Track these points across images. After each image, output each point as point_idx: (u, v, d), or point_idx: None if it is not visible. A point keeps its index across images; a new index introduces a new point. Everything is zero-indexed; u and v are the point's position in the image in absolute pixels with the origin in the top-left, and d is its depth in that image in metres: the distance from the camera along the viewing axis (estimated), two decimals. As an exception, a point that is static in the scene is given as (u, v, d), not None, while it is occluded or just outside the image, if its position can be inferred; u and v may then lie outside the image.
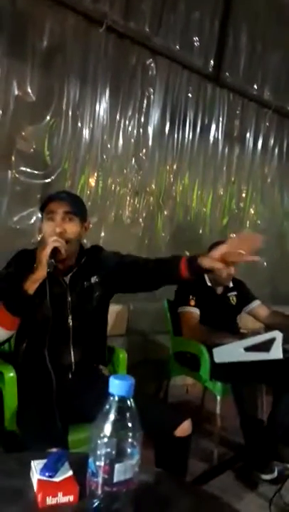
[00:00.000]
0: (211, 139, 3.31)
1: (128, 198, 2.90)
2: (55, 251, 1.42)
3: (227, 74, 3.31)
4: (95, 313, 1.62)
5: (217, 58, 3.23)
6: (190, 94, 3.13)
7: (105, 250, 1.70)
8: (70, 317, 1.55)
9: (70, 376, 1.55)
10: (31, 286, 1.42)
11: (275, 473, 2.04)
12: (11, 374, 1.52)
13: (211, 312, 2.37)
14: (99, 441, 0.68)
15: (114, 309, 2.74)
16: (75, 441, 1.42)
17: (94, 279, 1.60)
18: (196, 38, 3.09)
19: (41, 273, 1.41)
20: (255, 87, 3.54)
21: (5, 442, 1.52)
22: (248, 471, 2.11)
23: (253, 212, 3.72)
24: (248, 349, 1.98)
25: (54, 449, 1.01)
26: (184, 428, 1.41)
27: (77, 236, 1.52)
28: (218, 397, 2.21)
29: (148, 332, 2.98)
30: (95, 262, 1.62)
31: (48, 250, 1.40)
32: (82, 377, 1.56)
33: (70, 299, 1.56)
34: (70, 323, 1.55)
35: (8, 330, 1.45)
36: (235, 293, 2.52)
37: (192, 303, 2.32)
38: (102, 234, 2.79)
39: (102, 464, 0.68)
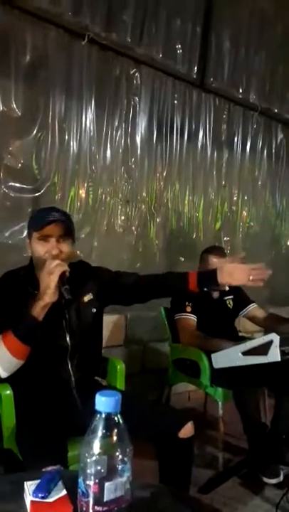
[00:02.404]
0: (199, 144, 3.32)
1: (119, 207, 2.90)
2: (63, 275, 1.40)
3: (211, 79, 3.33)
4: (91, 330, 1.62)
5: (201, 64, 3.25)
6: (176, 101, 3.14)
7: (94, 266, 1.72)
8: (67, 335, 1.55)
9: (73, 392, 1.54)
10: (40, 313, 1.38)
11: (281, 477, 2.02)
12: (8, 392, 1.51)
13: (208, 317, 2.36)
14: (88, 460, 0.67)
15: (111, 319, 2.73)
16: (74, 456, 1.41)
17: (89, 297, 1.60)
18: (178, 46, 3.11)
19: (51, 299, 1.38)
20: (241, 90, 3.56)
21: (4, 461, 1.50)
22: (253, 475, 2.09)
23: (245, 214, 3.73)
24: (245, 353, 1.97)
25: (49, 468, 0.99)
26: (187, 429, 1.42)
27: (69, 257, 1.51)
28: (220, 403, 2.20)
29: (146, 341, 2.96)
30: (87, 279, 1.62)
31: (55, 277, 1.38)
32: (82, 391, 1.55)
33: (67, 316, 1.56)
34: (68, 341, 1.54)
35: (20, 359, 1.41)
36: (231, 297, 2.51)
37: (188, 309, 2.32)
38: (95, 244, 2.78)
39: (92, 483, 0.66)
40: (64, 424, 1.42)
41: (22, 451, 1.36)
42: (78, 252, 2.49)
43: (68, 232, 1.50)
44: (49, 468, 1.06)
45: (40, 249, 1.48)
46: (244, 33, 3.50)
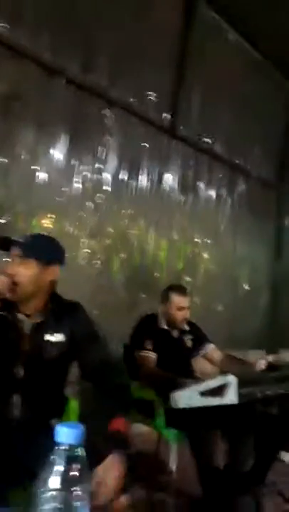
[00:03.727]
0: (167, 187, 3.43)
1: (84, 240, 2.90)
2: None
3: (181, 127, 3.50)
4: (50, 370, 1.49)
5: (172, 112, 3.42)
6: (147, 145, 3.26)
7: (84, 313, 1.58)
8: (20, 368, 1.45)
9: (11, 432, 1.41)
10: None
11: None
12: None
13: (166, 355, 2.34)
14: (43, 496, 0.63)
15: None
16: (18, 506, 1.31)
17: (58, 336, 1.49)
18: (151, 92, 3.27)
19: None
20: (209, 141, 3.76)
21: None
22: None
23: (207, 257, 3.83)
24: (203, 394, 1.95)
25: None
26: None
27: (31, 279, 1.44)
28: (174, 446, 2.15)
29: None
30: (66, 318, 1.51)
31: None
32: (26, 434, 1.41)
33: (25, 347, 1.46)
34: (20, 374, 1.44)
35: None
36: (190, 336, 2.52)
37: (149, 346, 2.30)
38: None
39: (47, 521, 0.62)
40: (5, 471, 1.30)
41: None
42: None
43: (26, 255, 1.44)
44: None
45: None
46: (214, 87, 3.74)
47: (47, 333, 1.48)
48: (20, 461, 1.36)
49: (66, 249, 2.74)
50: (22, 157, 2.58)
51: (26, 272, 1.44)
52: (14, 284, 1.41)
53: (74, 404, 1.75)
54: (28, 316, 1.48)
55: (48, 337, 1.47)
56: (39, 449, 1.28)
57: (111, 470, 1.15)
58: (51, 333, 1.48)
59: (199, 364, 2.72)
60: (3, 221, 2.49)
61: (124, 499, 1.23)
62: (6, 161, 2.50)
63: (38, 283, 1.46)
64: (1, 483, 1.26)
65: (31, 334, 1.47)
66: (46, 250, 1.51)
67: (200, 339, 2.55)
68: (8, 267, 1.43)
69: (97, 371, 1.49)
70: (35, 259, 1.46)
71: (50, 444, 0.68)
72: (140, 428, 2.69)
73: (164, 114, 3.39)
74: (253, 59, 4.08)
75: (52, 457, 0.65)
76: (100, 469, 1.13)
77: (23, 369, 1.45)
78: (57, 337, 1.48)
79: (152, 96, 3.29)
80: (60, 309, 1.52)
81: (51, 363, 1.48)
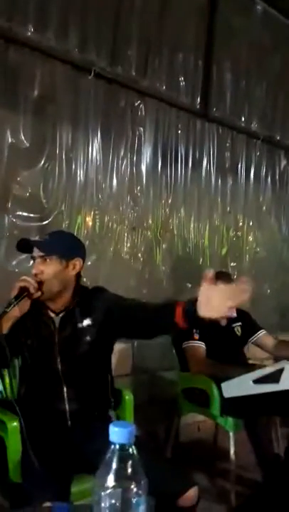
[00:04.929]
0: (204, 172, 3.37)
1: (126, 234, 2.92)
2: (23, 290, 1.43)
3: (214, 109, 3.42)
4: (87, 358, 1.55)
5: (203, 95, 3.34)
6: (180, 131, 3.21)
7: (108, 292, 1.65)
8: (58, 359, 1.52)
9: (68, 424, 1.50)
10: (4, 324, 1.41)
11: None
12: (14, 424, 1.48)
13: (216, 345, 2.33)
14: (102, 493, 0.65)
15: (117, 348, 2.67)
16: (78, 492, 1.36)
17: (87, 322, 1.55)
18: (181, 78, 3.21)
19: (12, 312, 1.41)
20: (243, 119, 3.65)
21: (10, 495, 1.46)
22: (268, 510, 2.01)
23: (251, 240, 3.74)
24: (256, 381, 1.93)
25: (48, 503, 0.96)
26: (189, 497, 1.27)
27: (55, 276, 1.51)
28: (231, 434, 2.14)
29: (154, 369, 2.91)
30: (92, 304, 1.58)
31: (15, 291, 1.43)
32: (81, 425, 1.50)
33: (57, 340, 1.53)
34: (59, 366, 1.51)
35: None
36: (239, 323, 2.48)
37: (196, 337, 2.29)
38: (102, 271, 2.78)
39: (107, 518, 0.64)
40: (67, 458, 1.38)
41: (27, 485, 1.33)
42: (84, 279, 2.50)
43: (48, 253, 1.51)
44: (48, 504, 1.03)
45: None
46: (244, 64, 3.61)
47: (76, 322, 1.55)
48: (79, 451, 1.42)
49: (110, 245, 2.83)
50: (60, 157, 2.62)
51: (50, 269, 1.50)
52: (40, 283, 1.47)
53: (129, 398, 1.78)
54: (57, 313, 1.56)
55: (78, 325, 1.54)
56: (96, 439, 1.35)
57: (214, 288, 1.15)
58: (80, 322, 1.55)
59: (252, 351, 2.69)
60: (46, 222, 2.56)
61: (193, 491, 1.26)
62: (46, 162, 2.55)
63: (63, 278, 1.53)
64: (62, 474, 1.32)
65: (60, 327, 1.54)
66: (66, 246, 1.58)
67: (250, 326, 2.51)
68: (34, 266, 1.52)
69: (140, 309, 1.53)
70: (57, 256, 1.52)
71: (108, 435, 0.69)
72: (195, 417, 2.71)
73: (196, 98, 3.31)
74: (282, 29, 3.89)
75: (107, 456, 0.67)
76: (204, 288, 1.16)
77: (62, 363, 1.52)
78: (86, 323, 1.55)
79: (183, 81, 3.23)
80: (85, 298, 1.58)
81: (86, 352, 1.55)
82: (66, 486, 1.31)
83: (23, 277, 1.46)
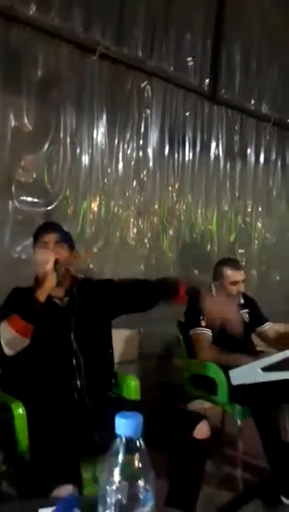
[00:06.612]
0: (212, 156, 3.30)
1: (132, 220, 2.88)
2: (57, 262, 1.56)
3: (223, 91, 3.32)
4: (101, 346, 1.68)
5: (212, 76, 3.24)
6: (187, 113, 3.13)
7: (96, 279, 1.83)
8: (74, 345, 1.58)
9: (87, 407, 1.52)
10: (42, 295, 1.51)
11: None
12: (21, 410, 1.48)
13: (222, 331, 2.29)
14: (108, 488, 0.62)
15: (124, 334, 2.68)
16: (89, 478, 1.36)
17: (95, 313, 1.68)
18: (189, 58, 3.11)
19: (50, 283, 1.52)
20: (253, 102, 3.55)
21: (18, 483, 1.45)
22: (275, 497, 2.00)
23: (260, 226, 3.67)
24: (265, 369, 1.90)
25: (61, 488, 0.96)
26: (202, 429, 1.40)
27: (66, 261, 1.62)
28: (238, 421, 2.12)
29: (161, 356, 2.90)
30: (92, 296, 1.70)
31: (51, 262, 1.53)
32: (95, 408, 1.52)
33: (72, 326, 1.61)
34: (74, 347, 1.58)
35: (24, 338, 1.48)
36: (247, 310, 2.45)
37: (203, 323, 2.26)
38: (108, 257, 2.75)
39: (112, 513, 0.61)
40: (77, 442, 1.39)
41: (34, 470, 1.32)
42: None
43: (64, 240, 1.65)
44: (62, 490, 1.02)
45: (39, 254, 1.60)
46: (255, 44, 3.50)
47: (80, 309, 1.64)
48: (86, 432, 1.43)
49: (116, 230, 2.78)
50: (65, 140, 2.56)
51: (64, 253, 1.63)
52: (56, 263, 1.57)
53: (135, 383, 1.77)
54: (60, 299, 1.66)
55: (87, 319, 1.64)
56: (102, 420, 1.35)
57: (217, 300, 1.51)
58: (88, 314, 1.65)
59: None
60: (51, 207, 2.52)
61: (203, 424, 1.39)
62: (50, 146, 2.50)
63: (68, 266, 1.65)
64: (71, 454, 1.33)
65: (64, 314, 1.62)
66: (70, 238, 1.73)
67: (257, 316, 2.48)
68: (52, 249, 1.60)
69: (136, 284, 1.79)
70: (67, 244, 1.67)
71: (111, 415, 0.68)
72: (202, 404, 2.69)
73: (205, 80, 3.22)
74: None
75: (114, 449, 0.64)
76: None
77: (76, 344, 1.59)
78: (94, 314, 1.66)
79: (191, 62, 3.13)
80: (83, 286, 1.71)
81: (98, 340, 1.67)
82: (75, 471, 1.30)
83: (49, 252, 1.56)
